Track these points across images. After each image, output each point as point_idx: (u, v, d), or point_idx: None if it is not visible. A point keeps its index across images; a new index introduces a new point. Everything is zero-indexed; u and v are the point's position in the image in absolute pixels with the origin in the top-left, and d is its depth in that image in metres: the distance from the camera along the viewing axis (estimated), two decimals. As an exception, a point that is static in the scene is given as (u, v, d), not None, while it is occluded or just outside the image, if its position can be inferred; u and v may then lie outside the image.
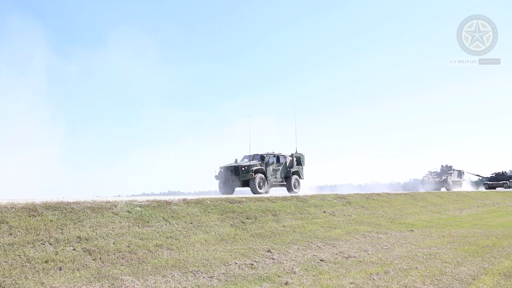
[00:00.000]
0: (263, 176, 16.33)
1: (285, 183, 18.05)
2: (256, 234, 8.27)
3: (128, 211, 7.63)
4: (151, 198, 9.95)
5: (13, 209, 6.40)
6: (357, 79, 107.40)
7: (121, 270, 5.34)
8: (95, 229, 6.52)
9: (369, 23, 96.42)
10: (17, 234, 5.68)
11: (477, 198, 23.08)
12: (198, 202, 9.43)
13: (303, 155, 19.59)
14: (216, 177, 17.11)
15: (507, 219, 14.61)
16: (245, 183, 16.30)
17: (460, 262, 7.03)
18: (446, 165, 37.02)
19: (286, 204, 11.37)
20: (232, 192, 17.37)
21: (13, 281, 4.57)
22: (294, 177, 18.30)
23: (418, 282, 5.68)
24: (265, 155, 17.21)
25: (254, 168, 16.04)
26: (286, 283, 5.45)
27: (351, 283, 5.56)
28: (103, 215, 7.11)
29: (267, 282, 5.46)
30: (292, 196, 13.15)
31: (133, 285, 4.91)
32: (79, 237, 6.07)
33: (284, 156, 18.50)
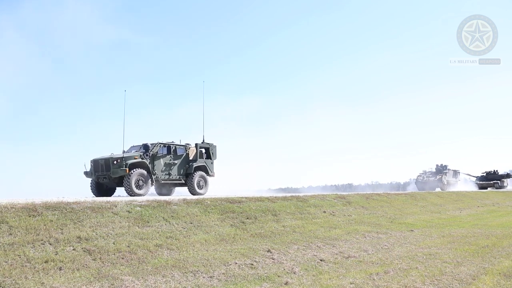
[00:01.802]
0: (144, 172, 12.54)
1: (185, 181, 14.34)
2: (256, 234, 8.27)
3: (128, 211, 7.63)
4: (151, 198, 9.95)
5: (13, 209, 6.40)
6: (357, 79, 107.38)
7: (121, 270, 5.34)
8: (95, 229, 6.52)
9: (369, 23, 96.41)
10: (17, 234, 5.68)
11: (477, 198, 23.08)
12: (198, 202, 9.43)
13: (214, 146, 15.60)
14: (86, 173, 13.26)
15: (507, 219, 14.61)
16: (120, 181, 12.58)
17: (460, 262, 7.03)
18: (441, 165, 36.40)
19: (286, 204, 11.37)
20: (110, 193, 13.61)
21: (13, 281, 4.57)
22: (199, 174, 14.46)
23: (418, 282, 5.68)
24: (149, 145, 13.30)
25: (130, 161, 12.31)
26: (286, 283, 5.45)
27: (351, 283, 5.56)
28: (103, 215, 7.11)
29: (267, 282, 5.46)
30: (292, 196, 13.13)
31: (133, 285, 4.91)
32: (79, 237, 6.07)
33: (185, 147, 14.59)
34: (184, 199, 9.53)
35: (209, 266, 5.96)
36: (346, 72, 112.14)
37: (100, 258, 5.59)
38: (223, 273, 5.71)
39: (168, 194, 14.88)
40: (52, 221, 6.35)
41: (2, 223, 5.88)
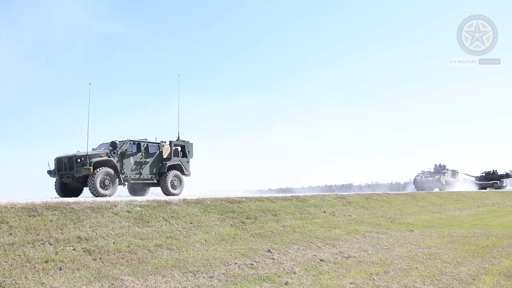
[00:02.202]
0: (110, 171, 11.75)
1: (158, 181, 13.58)
2: (256, 234, 8.27)
3: (128, 211, 7.63)
4: (151, 198, 9.95)
5: (13, 209, 6.40)
6: (357, 79, 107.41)
7: (121, 270, 5.34)
8: (95, 229, 6.52)
9: (369, 23, 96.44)
10: (17, 234, 5.69)
11: (477, 198, 23.08)
12: (198, 202, 9.43)
13: (190, 144, 14.78)
14: (49, 172, 12.42)
15: (507, 219, 14.61)
16: (85, 181, 11.80)
17: (460, 262, 7.03)
18: (440, 165, 35.91)
19: (286, 204, 11.37)
20: (77, 193, 12.67)
21: (13, 281, 4.57)
22: (173, 173, 13.70)
23: (418, 282, 5.68)
24: (117, 142, 12.49)
25: (95, 159, 11.55)
26: (286, 283, 5.45)
27: (351, 283, 5.56)
28: (103, 215, 7.11)
29: (267, 282, 5.46)
30: (292, 196, 13.13)
31: (133, 285, 4.91)
32: (79, 237, 6.07)
33: (158, 145, 13.80)
34: (184, 199, 9.53)
35: (209, 266, 5.96)
36: (346, 72, 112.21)
37: (100, 258, 5.59)
38: (223, 273, 5.71)
39: (142, 194, 14.25)
40: (52, 221, 6.35)
41: (2, 223, 5.88)
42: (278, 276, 5.76)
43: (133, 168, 12.82)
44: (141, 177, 13.10)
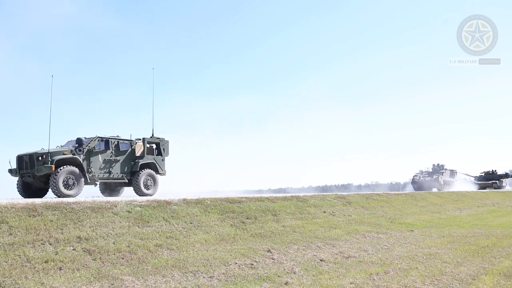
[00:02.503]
0: (75, 170, 11.04)
1: (128, 181, 12.90)
2: (256, 234, 8.27)
3: (128, 211, 7.63)
4: (151, 198, 9.95)
5: (13, 209, 6.40)
6: (357, 79, 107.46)
7: (121, 270, 5.35)
8: (95, 229, 6.52)
9: (369, 23, 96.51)
10: (17, 234, 5.69)
11: (477, 198, 23.08)
12: (198, 202, 9.44)
13: (165, 141, 14.18)
14: (10, 171, 11.68)
15: (507, 219, 14.62)
16: (47, 180, 11.03)
17: (460, 262, 7.04)
18: (438, 164, 35.61)
19: (286, 204, 11.37)
20: (41, 194, 11.86)
21: (13, 281, 4.57)
22: (146, 172, 13.03)
23: (418, 282, 5.68)
24: (83, 139, 11.78)
25: (58, 157, 10.85)
26: (286, 283, 5.45)
27: (351, 283, 5.56)
28: (103, 215, 7.11)
29: (267, 282, 5.46)
30: (292, 196, 13.13)
31: (133, 285, 4.91)
32: (79, 237, 6.07)
33: (130, 142, 13.11)
34: (184, 199, 9.53)
35: (209, 266, 5.96)
36: (346, 72, 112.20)
37: (100, 258, 5.59)
38: (223, 273, 5.71)
39: (115, 194, 13.58)
40: (52, 221, 6.35)
41: (2, 223, 5.88)
42: (278, 276, 5.76)
43: (101, 167, 12.14)
44: (111, 176, 12.45)
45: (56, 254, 5.40)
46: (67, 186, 10.84)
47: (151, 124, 14.15)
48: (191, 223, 7.99)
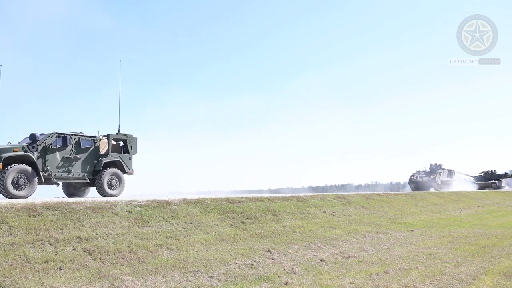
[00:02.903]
0: (27, 168, 10.24)
1: (90, 180, 12.03)
2: (256, 234, 8.27)
3: (128, 211, 7.63)
4: (151, 198, 9.95)
5: (13, 209, 6.40)
6: (357, 79, 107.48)
7: (121, 270, 5.35)
8: (95, 229, 6.52)
9: (369, 23, 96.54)
10: (17, 234, 5.69)
11: (477, 198, 23.08)
12: (198, 202, 9.44)
13: (133, 138, 13.20)
14: None
15: (507, 219, 14.62)
16: None
17: (460, 262, 7.04)
18: (436, 164, 35.26)
19: (286, 204, 11.37)
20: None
21: (13, 281, 4.57)
22: (110, 171, 12.14)
23: (418, 282, 5.68)
24: (37, 135, 11.00)
25: (6, 154, 10.03)
26: (286, 283, 5.45)
27: (351, 283, 5.56)
28: (103, 215, 7.11)
29: (267, 282, 5.46)
30: (292, 196, 13.12)
31: (133, 285, 4.91)
32: (79, 237, 6.07)
33: (92, 139, 12.20)
34: (184, 199, 9.53)
35: (209, 266, 5.96)
36: (346, 72, 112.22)
37: (100, 258, 5.59)
38: (223, 273, 5.71)
39: (80, 195, 12.81)
40: (52, 221, 6.35)
41: (2, 223, 5.88)
42: (278, 276, 5.76)
43: (59, 165, 11.25)
44: (70, 175, 11.54)
45: (56, 254, 5.40)
46: (16, 186, 10.03)
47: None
48: (191, 223, 7.99)
